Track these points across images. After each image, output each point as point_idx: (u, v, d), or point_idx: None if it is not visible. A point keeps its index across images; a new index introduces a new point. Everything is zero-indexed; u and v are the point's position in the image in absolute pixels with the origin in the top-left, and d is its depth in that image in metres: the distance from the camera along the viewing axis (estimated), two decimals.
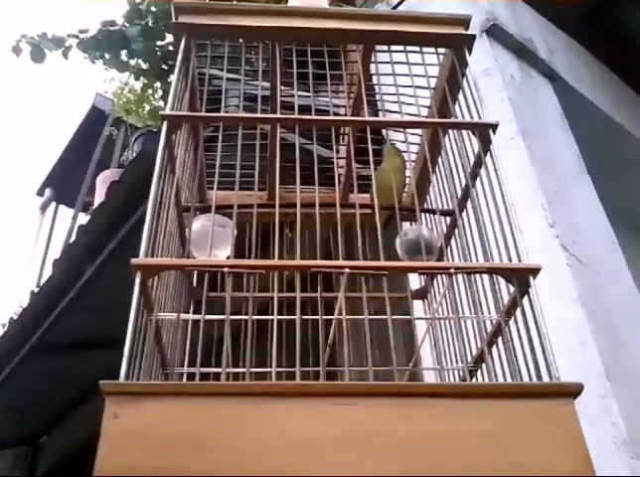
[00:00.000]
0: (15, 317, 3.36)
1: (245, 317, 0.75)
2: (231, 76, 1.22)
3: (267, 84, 1.09)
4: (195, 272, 1.07)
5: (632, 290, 2.02)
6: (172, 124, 0.89)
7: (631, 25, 2.80)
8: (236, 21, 1.04)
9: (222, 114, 0.95)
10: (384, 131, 1.17)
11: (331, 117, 0.96)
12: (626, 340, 1.79)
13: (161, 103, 3.63)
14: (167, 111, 0.90)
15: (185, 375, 0.96)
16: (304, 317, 0.86)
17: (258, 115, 0.97)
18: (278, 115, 0.96)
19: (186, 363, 0.96)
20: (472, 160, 0.95)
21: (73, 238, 3.54)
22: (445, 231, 1.06)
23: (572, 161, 2.23)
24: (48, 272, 3.94)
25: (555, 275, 1.67)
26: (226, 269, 0.73)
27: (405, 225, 1.17)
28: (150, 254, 0.78)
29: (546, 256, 1.76)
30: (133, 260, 0.73)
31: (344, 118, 1.12)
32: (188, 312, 1.04)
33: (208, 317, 0.81)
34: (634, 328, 1.87)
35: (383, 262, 0.77)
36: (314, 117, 0.93)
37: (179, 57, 1.00)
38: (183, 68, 1.00)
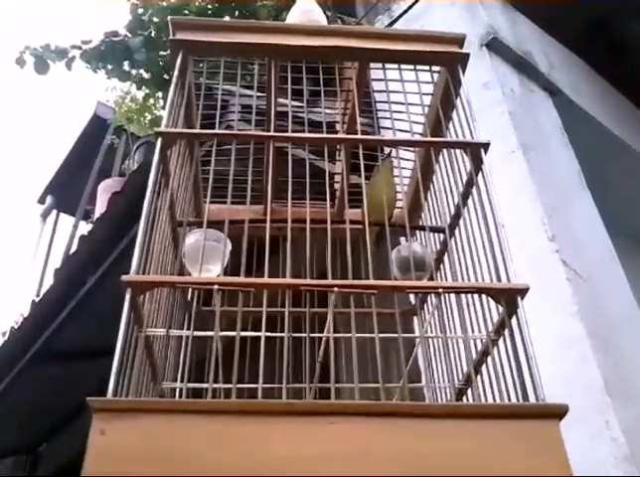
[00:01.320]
0: (16, 326, 3.36)
1: (234, 333, 0.75)
2: (228, 88, 1.23)
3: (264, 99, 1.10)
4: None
5: (632, 304, 2.01)
6: (166, 141, 0.90)
7: (631, 38, 2.81)
8: (232, 38, 1.05)
9: (216, 131, 0.96)
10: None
11: (324, 135, 0.96)
12: (626, 354, 1.78)
13: (162, 113, 3.64)
14: (162, 128, 0.91)
15: (177, 390, 0.96)
16: (294, 335, 0.87)
17: (253, 132, 0.97)
18: (272, 133, 0.97)
19: (179, 378, 0.96)
20: (465, 178, 0.96)
21: (73, 247, 3.55)
22: (437, 248, 1.06)
23: (572, 175, 2.23)
24: (49, 280, 3.95)
25: (554, 290, 1.67)
26: (215, 287, 0.74)
27: (401, 241, 1.17)
28: (142, 270, 0.78)
29: (545, 271, 1.76)
30: (124, 277, 0.74)
31: (337, 136, 1.13)
32: (183, 325, 1.04)
33: (197, 333, 0.81)
34: (634, 342, 1.86)
35: (372, 281, 0.77)
36: (307, 135, 0.94)
37: (175, 72, 1.01)
38: (179, 83, 1.01)
